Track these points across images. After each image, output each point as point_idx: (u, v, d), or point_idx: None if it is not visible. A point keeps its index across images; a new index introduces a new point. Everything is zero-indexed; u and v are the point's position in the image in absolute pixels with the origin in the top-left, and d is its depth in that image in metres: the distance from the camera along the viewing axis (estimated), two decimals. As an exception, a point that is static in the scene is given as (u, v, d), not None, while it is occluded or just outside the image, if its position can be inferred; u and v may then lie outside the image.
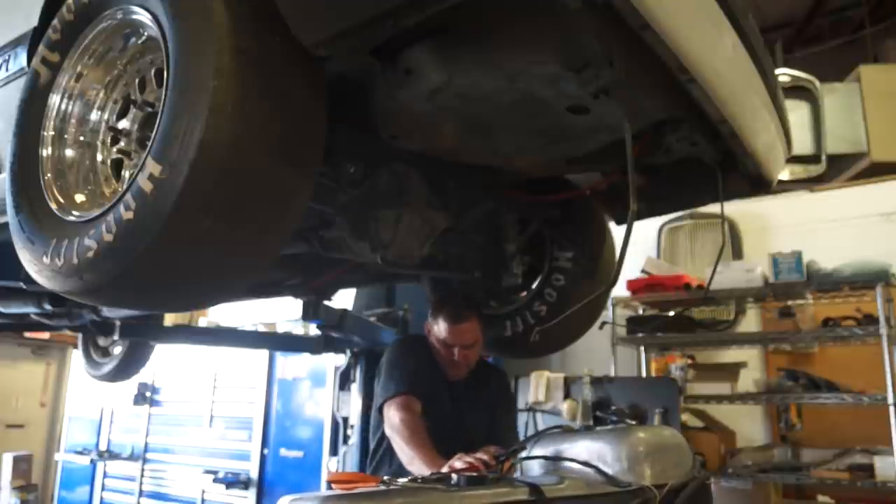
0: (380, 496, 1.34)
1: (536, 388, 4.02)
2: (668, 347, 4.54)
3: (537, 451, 1.72)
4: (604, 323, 4.07)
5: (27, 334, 7.43)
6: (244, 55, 1.10)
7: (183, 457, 5.76)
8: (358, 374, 4.34)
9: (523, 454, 1.74)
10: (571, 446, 1.67)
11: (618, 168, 1.94)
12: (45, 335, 7.54)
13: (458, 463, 1.81)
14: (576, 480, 1.53)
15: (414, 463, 2.08)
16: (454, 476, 1.43)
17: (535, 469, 1.69)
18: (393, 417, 2.23)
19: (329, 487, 1.47)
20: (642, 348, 4.52)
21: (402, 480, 1.44)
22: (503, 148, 1.79)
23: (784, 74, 4.70)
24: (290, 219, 1.26)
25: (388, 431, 2.27)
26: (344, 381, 4.69)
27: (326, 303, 2.82)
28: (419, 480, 1.45)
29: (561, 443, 1.71)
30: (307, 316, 2.77)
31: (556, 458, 1.63)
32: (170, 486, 5.81)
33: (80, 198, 1.37)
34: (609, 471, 1.56)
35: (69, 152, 1.41)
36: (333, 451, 4.70)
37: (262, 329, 4.85)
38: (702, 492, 1.69)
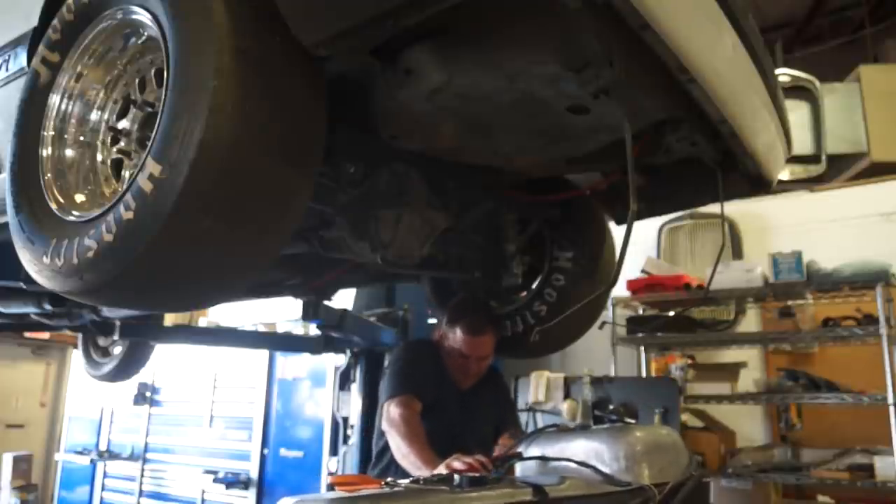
0: (385, 498, 1.33)
1: (536, 388, 4.02)
2: (668, 347, 4.54)
3: (534, 451, 1.72)
4: (604, 323, 4.08)
5: (27, 334, 7.42)
6: (244, 55, 1.10)
7: (183, 457, 5.75)
8: (358, 374, 4.35)
9: (519, 452, 1.74)
10: (568, 446, 1.67)
11: (618, 168, 1.94)
12: (45, 335, 7.53)
13: (456, 463, 1.81)
14: (576, 480, 1.53)
15: (409, 458, 2.08)
16: (456, 477, 1.43)
17: (531, 468, 1.69)
18: (392, 413, 2.24)
19: (331, 489, 1.47)
20: (642, 348, 4.52)
21: (404, 482, 1.44)
22: (503, 148, 1.79)
23: (784, 74, 4.70)
24: (290, 219, 1.26)
25: (384, 426, 2.27)
26: (344, 381, 4.69)
27: (326, 303, 2.82)
28: (422, 482, 1.45)
29: (557, 442, 1.71)
30: (307, 316, 2.77)
31: (554, 459, 1.63)
32: (170, 486, 5.81)
33: (80, 198, 1.37)
34: (607, 470, 1.56)
35: (69, 152, 1.41)
36: (333, 451, 4.70)
37: (262, 329, 4.84)
38: (698, 490, 1.69)
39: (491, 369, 2.67)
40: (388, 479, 1.46)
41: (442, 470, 1.87)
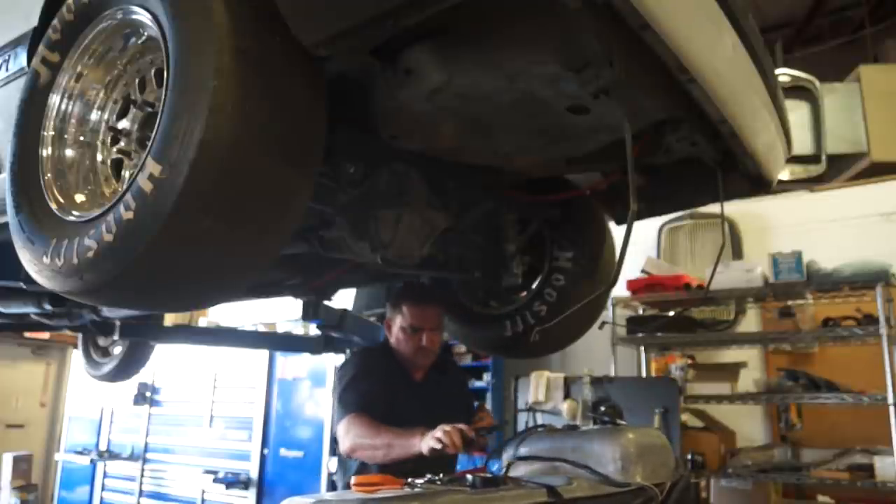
0: (402, 499, 1.33)
1: (536, 388, 4.02)
2: (668, 347, 4.54)
3: (524, 451, 1.72)
4: (604, 323, 4.07)
5: (27, 334, 7.43)
6: (244, 55, 1.10)
7: (183, 457, 5.76)
8: (358, 374, 4.34)
9: (510, 453, 1.75)
10: (559, 447, 1.67)
11: (618, 168, 1.94)
12: (45, 335, 7.54)
13: (439, 433, 1.88)
14: (583, 481, 1.53)
15: (393, 448, 2.10)
16: (469, 477, 1.43)
17: (520, 468, 1.69)
18: (347, 435, 2.25)
19: (332, 488, 1.46)
20: (642, 348, 4.52)
21: (420, 481, 1.44)
22: (503, 148, 1.79)
23: (784, 74, 4.69)
24: (290, 219, 1.26)
25: (346, 450, 2.27)
26: (344, 381, 4.68)
27: (326, 303, 2.82)
28: (439, 482, 1.45)
29: (546, 443, 1.72)
30: (307, 316, 2.76)
31: (550, 459, 1.64)
32: (170, 486, 5.82)
33: (80, 198, 1.37)
34: (601, 471, 1.57)
35: (69, 152, 1.41)
36: (333, 451, 4.70)
37: (262, 329, 4.85)
38: (688, 489, 1.72)
39: (450, 362, 2.67)
40: (409, 480, 1.45)
41: (431, 442, 1.97)
